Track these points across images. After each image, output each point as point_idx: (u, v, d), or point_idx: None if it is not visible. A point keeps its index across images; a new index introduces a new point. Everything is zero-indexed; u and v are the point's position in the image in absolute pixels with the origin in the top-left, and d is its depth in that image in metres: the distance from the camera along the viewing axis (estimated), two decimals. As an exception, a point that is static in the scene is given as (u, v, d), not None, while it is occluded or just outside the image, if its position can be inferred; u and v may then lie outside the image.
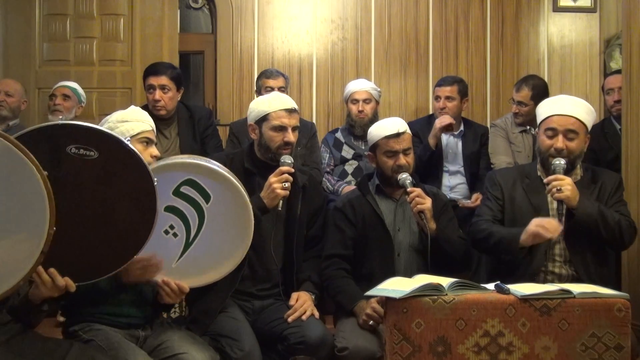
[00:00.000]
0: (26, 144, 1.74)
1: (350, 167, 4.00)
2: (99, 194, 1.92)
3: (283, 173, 2.54)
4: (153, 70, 3.73)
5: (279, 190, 2.51)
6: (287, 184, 2.53)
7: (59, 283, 1.87)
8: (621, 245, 2.64)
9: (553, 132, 2.57)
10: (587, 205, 2.48)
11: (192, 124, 3.82)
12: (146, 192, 1.95)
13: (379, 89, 4.13)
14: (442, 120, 3.79)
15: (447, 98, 3.95)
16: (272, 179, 2.53)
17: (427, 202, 2.57)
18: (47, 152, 1.86)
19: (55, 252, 1.81)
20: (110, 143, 1.92)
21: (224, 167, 2.31)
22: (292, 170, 2.58)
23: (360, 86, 4.05)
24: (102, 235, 1.94)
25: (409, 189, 2.60)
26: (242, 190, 2.26)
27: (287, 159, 2.60)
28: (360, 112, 3.96)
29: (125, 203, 1.95)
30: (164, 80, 3.66)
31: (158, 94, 3.64)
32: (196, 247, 2.23)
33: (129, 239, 1.96)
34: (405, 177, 2.64)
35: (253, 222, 2.27)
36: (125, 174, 1.94)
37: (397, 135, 2.70)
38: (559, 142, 2.55)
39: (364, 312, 2.51)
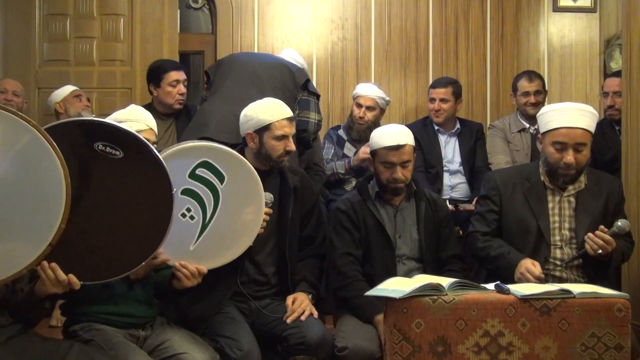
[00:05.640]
0: (55, 135, 1.77)
1: (351, 165, 3.99)
2: (116, 195, 1.93)
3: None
4: (176, 65, 3.88)
5: None
6: (265, 223, 2.47)
7: (60, 278, 1.87)
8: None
9: (562, 146, 2.51)
10: (617, 253, 2.52)
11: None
12: (164, 201, 1.96)
13: (387, 98, 4.04)
14: None
15: (442, 100, 3.96)
16: None
17: None
18: (73, 145, 1.87)
19: (65, 248, 1.82)
20: (137, 146, 1.93)
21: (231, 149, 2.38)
22: (271, 211, 2.53)
23: (367, 92, 3.96)
24: (113, 237, 1.94)
25: None
26: (252, 169, 2.36)
27: (267, 197, 2.50)
28: (360, 117, 3.90)
29: (142, 208, 1.95)
30: (184, 75, 3.81)
31: (184, 88, 3.78)
32: (212, 228, 2.28)
33: (139, 245, 1.96)
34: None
35: (264, 198, 2.38)
36: (146, 179, 1.95)
37: (397, 147, 2.66)
38: (569, 156, 2.49)
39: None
